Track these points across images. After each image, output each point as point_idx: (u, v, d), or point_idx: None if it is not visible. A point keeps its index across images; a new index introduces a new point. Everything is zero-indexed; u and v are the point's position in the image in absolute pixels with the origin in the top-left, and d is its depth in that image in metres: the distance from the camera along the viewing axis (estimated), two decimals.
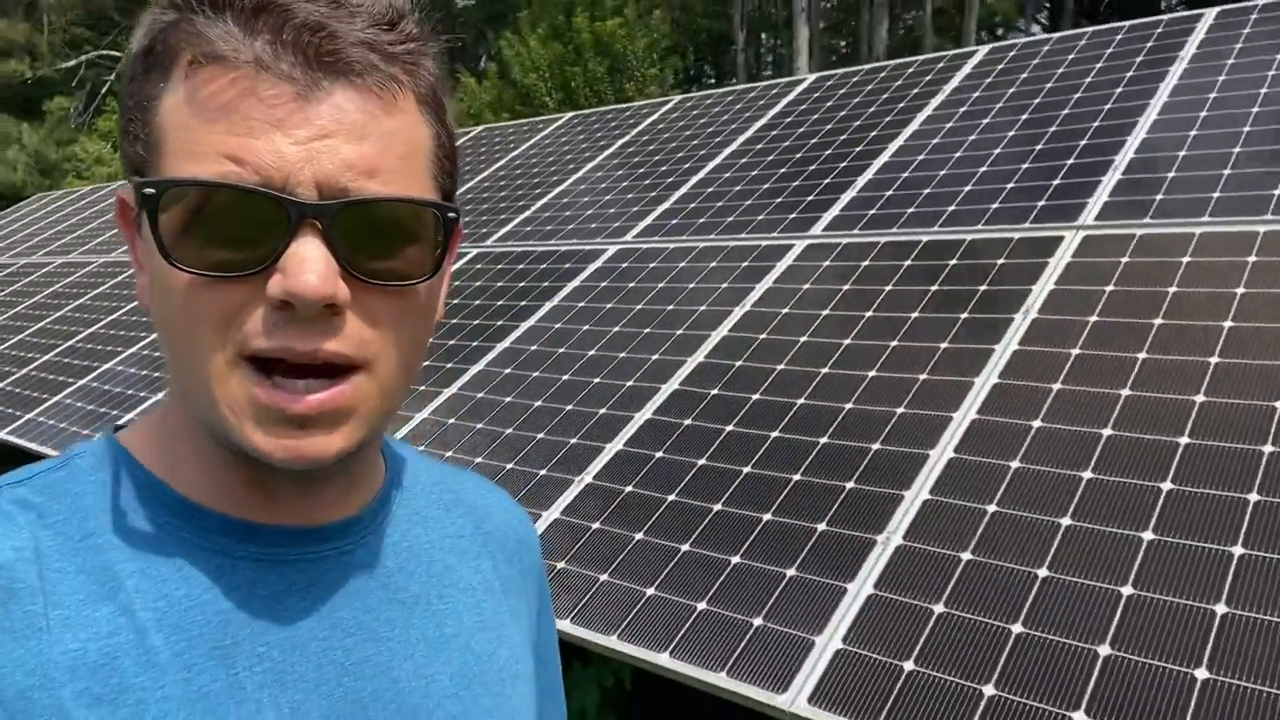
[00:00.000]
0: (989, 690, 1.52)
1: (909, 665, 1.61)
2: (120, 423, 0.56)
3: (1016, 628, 1.60)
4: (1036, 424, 2.03)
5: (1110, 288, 2.35)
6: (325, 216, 0.47)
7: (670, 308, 3.12)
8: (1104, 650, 1.50)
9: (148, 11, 0.50)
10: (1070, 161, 2.99)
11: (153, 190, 0.46)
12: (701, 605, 1.89)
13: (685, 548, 2.07)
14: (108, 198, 8.54)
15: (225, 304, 0.47)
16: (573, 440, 2.61)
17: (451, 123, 0.56)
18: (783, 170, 3.81)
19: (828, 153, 3.80)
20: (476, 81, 14.65)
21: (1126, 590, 1.59)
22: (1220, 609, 1.49)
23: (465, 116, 13.47)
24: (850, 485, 2.07)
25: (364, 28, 0.48)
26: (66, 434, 3.78)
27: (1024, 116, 3.39)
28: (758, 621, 1.81)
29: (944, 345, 2.39)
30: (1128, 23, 3.81)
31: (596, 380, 2.86)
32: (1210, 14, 3.54)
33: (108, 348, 4.64)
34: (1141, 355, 2.10)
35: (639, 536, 2.15)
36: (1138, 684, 1.43)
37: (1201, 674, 1.41)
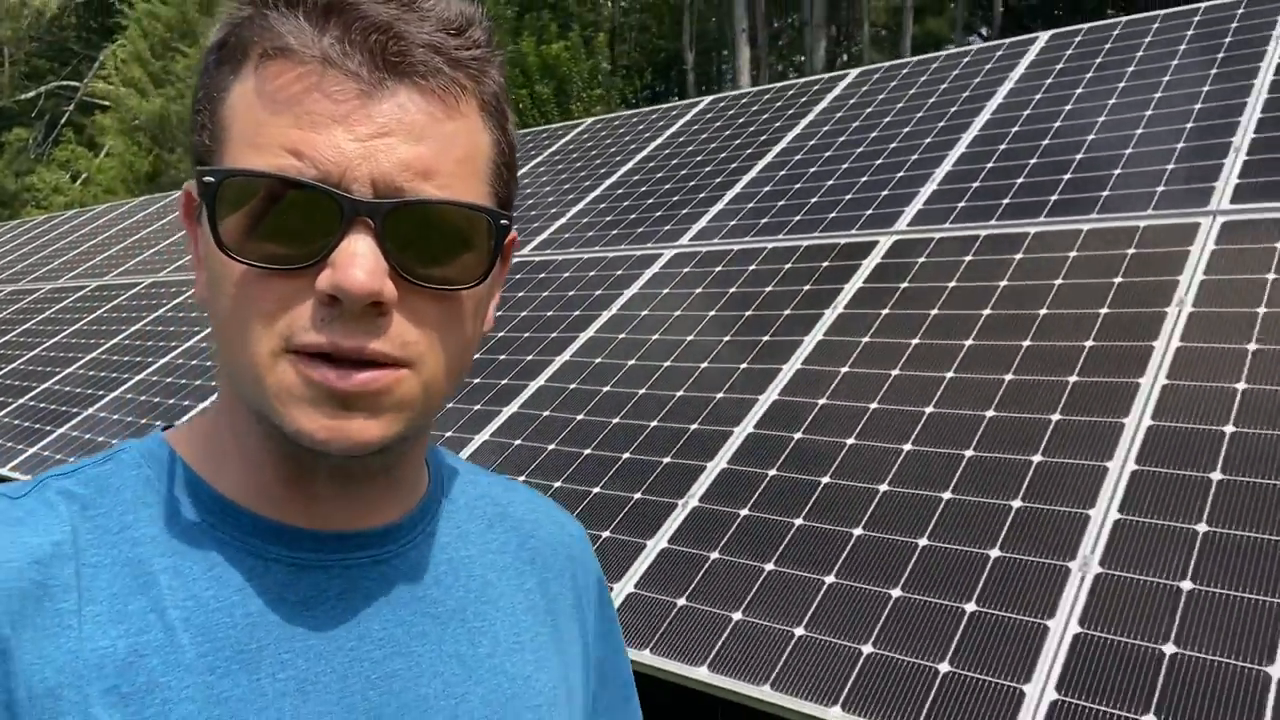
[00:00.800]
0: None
1: (737, 615, 1.92)
2: (168, 424, 0.60)
3: (829, 578, 1.92)
4: (872, 405, 2.36)
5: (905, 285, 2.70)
6: (378, 215, 0.47)
7: (549, 314, 3.44)
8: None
9: (224, 7, 0.52)
10: (900, 174, 3.34)
11: (212, 179, 0.47)
12: None
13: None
14: (59, 226, 8.75)
15: (276, 296, 0.48)
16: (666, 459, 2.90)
17: (513, 132, 0.57)
18: (667, 186, 4.15)
19: (707, 169, 4.14)
20: None
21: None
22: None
23: None
24: (668, 460, 2.39)
25: (432, 31, 0.49)
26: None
27: (873, 134, 3.76)
28: None
29: (764, 338, 2.73)
30: (973, 47, 4.20)
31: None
32: (1044, 36, 3.92)
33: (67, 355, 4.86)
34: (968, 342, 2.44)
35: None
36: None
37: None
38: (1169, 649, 1.44)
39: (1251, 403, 1.82)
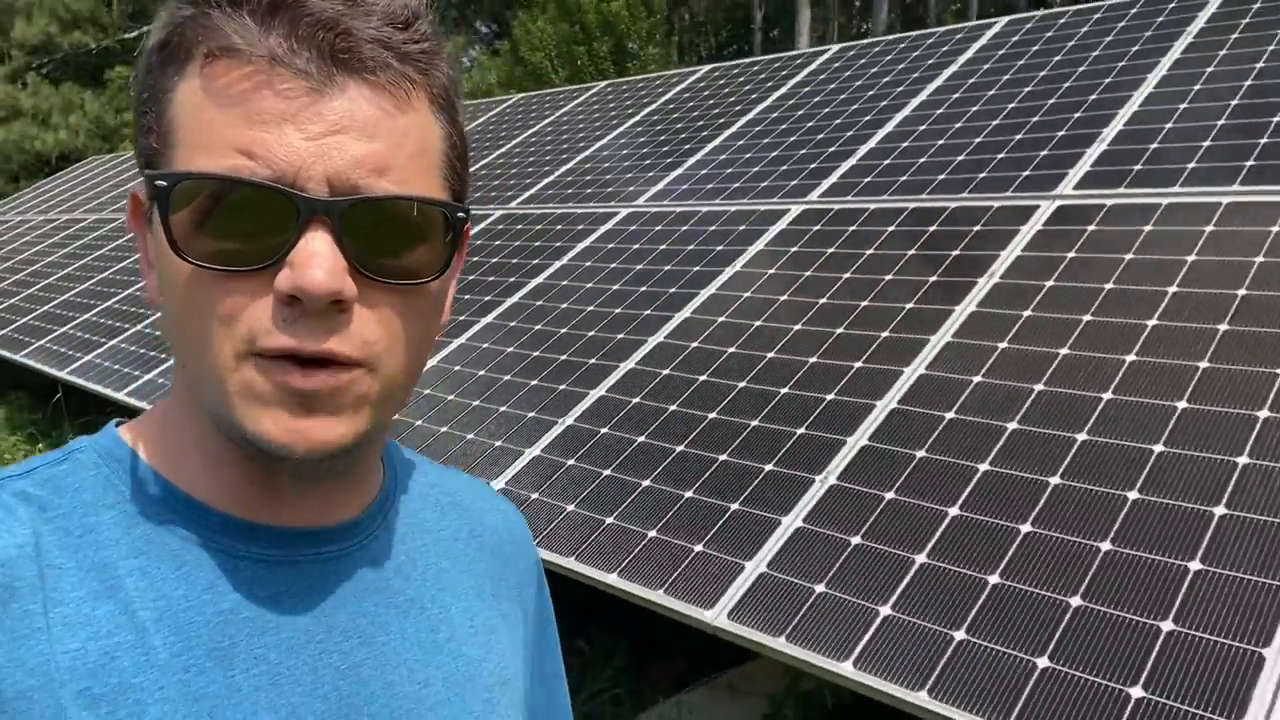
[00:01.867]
0: (885, 610, 1.67)
1: (820, 588, 1.76)
2: (121, 419, 0.59)
3: (920, 558, 1.74)
4: (977, 378, 2.14)
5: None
6: (335, 213, 0.47)
7: (667, 268, 3.27)
8: (994, 579, 1.63)
9: (164, 7, 0.51)
10: (1061, 133, 3.04)
11: (165, 183, 0.47)
12: (652, 533, 2.07)
13: (646, 483, 2.24)
14: None
15: (234, 298, 0.48)
16: (562, 387, 2.79)
17: (463, 124, 0.56)
18: (791, 139, 3.91)
19: (837, 121, 3.88)
20: (489, 58, 15.41)
21: (1022, 531, 1.71)
22: (1105, 545, 1.61)
23: (476, 93, 14.21)
24: (800, 431, 2.21)
25: (379, 26, 0.49)
26: (120, 374, 4.10)
27: (1026, 89, 3.44)
28: (698, 548, 1.98)
29: (909, 305, 2.51)
30: None
31: (591, 334, 3.04)
32: None
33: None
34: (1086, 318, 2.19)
35: (607, 472, 2.33)
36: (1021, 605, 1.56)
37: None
38: None
39: None
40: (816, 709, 2.60)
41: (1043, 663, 1.47)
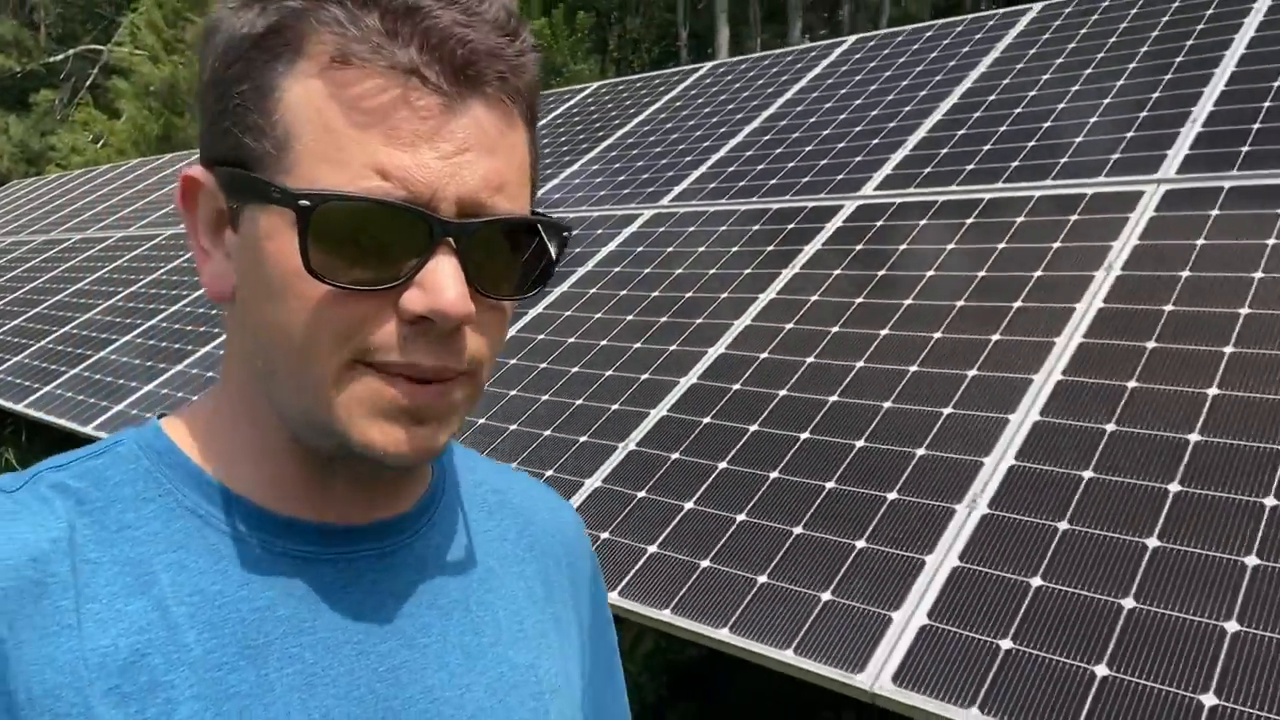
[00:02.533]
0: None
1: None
2: (166, 412, 0.58)
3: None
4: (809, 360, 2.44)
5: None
6: (464, 235, 0.47)
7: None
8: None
9: None
10: (875, 141, 3.38)
11: (309, 204, 0.45)
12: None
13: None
14: (93, 179, 9.00)
15: (353, 314, 0.47)
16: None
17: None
18: (657, 150, 4.22)
19: (699, 133, 4.21)
20: None
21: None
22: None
23: None
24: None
25: (491, 36, 0.48)
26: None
27: (858, 102, 3.79)
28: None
29: (723, 295, 2.81)
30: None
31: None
32: (1029, 10, 3.92)
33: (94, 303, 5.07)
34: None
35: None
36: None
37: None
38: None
39: (1161, 360, 1.88)
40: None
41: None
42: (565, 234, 0.53)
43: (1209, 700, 1.29)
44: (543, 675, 0.60)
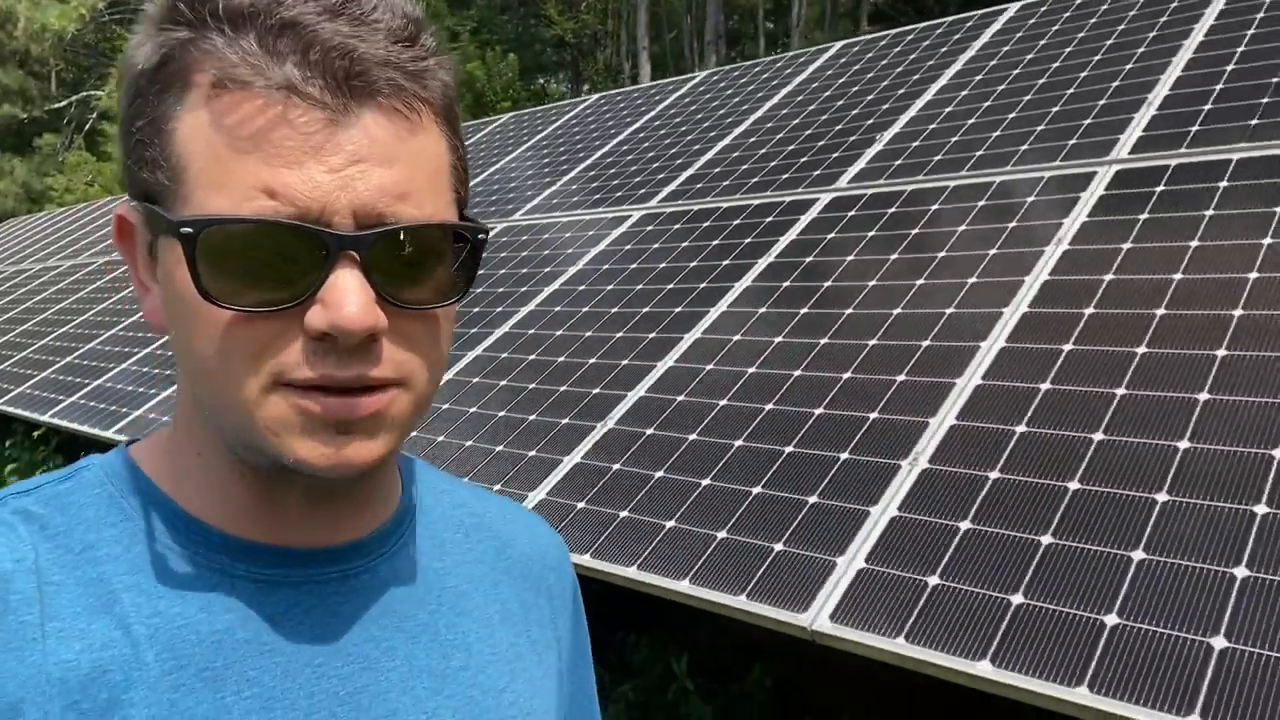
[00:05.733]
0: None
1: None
2: (133, 438, 0.59)
3: (658, 473, 2.15)
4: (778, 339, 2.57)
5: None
6: (363, 246, 0.47)
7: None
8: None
9: (147, 25, 0.49)
10: (853, 138, 3.51)
11: (191, 229, 0.45)
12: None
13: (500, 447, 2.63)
14: (66, 215, 9.33)
15: (261, 336, 0.47)
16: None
17: (461, 133, 0.55)
18: (650, 154, 4.37)
19: (689, 138, 4.35)
20: None
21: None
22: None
23: None
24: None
25: (385, 45, 0.48)
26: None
27: (840, 102, 3.92)
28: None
29: (701, 285, 2.94)
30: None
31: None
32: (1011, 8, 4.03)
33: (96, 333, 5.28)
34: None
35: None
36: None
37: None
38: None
39: (1099, 323, 1.99)
40: None
41: (722, 533, 1.88)
42: (481, 236, 0.53)
43: (1111, 621, 1.39)
44: (515, 699, 0.60)
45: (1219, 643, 1.30)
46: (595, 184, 4.28)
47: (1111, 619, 1.40)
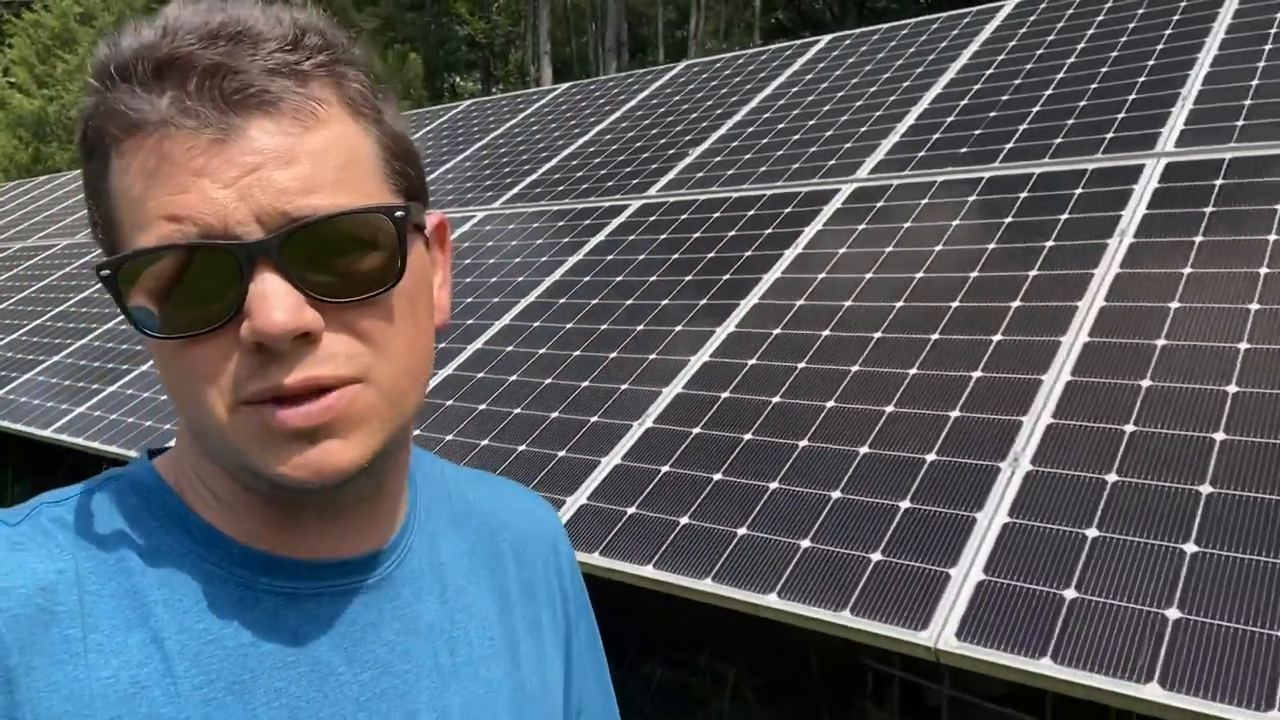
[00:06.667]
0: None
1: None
2: (158, 448, 0.60)
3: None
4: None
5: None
6: (273, 249, 0.47)
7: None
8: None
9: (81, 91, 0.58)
10: (864, 129, 3.40)
11: (108, 271, 0.48)
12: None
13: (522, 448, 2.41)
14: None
15: (210, 358, 0.48)
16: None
17: (397, 120, 0.55)
18: (638, 144, 4.19)
19: (679, 127, 4.19)
20: None
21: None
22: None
23: None
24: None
25: (267, 55, 0.48)
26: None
27: (841, 93, 3.81)
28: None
29: (725, 276, 2.78)
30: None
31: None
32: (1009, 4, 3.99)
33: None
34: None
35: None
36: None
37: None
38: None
39: (1184, 318, 1.90)
40: None
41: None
42: (399, 214, 0.51)
43: None
44: (518, 685, 0.62)
45: None
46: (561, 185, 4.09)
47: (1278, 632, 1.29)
